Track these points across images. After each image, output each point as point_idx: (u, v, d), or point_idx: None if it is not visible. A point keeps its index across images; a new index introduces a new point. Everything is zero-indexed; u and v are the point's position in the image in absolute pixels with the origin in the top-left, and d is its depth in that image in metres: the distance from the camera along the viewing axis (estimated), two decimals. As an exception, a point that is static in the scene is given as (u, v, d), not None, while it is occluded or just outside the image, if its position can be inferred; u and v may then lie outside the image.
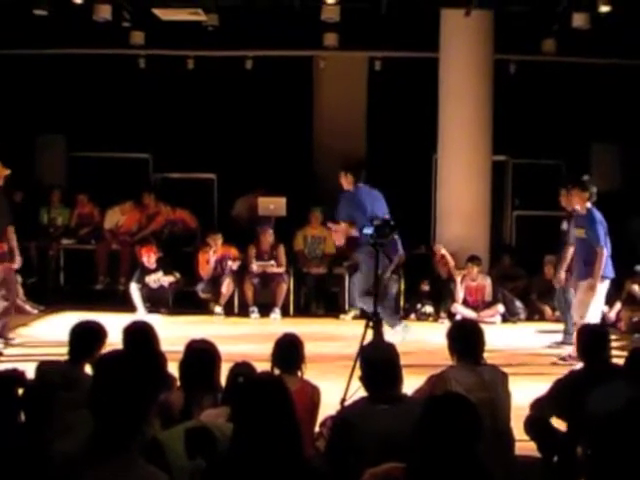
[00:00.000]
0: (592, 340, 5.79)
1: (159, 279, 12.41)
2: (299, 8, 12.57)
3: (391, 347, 4.80)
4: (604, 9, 11.12)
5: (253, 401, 3.50)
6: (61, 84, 14.68)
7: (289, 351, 5.51)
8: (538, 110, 14.53)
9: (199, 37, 13.36)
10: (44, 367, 5.47)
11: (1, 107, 14.04)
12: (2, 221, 9.78)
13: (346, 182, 9.98)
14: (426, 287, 12.46)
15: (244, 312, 12.44)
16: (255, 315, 12.34)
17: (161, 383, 5.21)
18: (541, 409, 5.60)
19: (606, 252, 9.17)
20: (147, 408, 3.52)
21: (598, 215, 9.28)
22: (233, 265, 12.55)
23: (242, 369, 4.96)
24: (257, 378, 4.05)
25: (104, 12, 11.96)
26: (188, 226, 13.93)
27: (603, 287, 9.26)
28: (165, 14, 12.57)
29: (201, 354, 5.07)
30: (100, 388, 3.50)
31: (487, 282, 12.27)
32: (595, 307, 9.20)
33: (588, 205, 9.33)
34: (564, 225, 10.39)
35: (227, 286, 12.44)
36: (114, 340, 5.60)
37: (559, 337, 10.34)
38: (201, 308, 12.56)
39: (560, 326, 10.88)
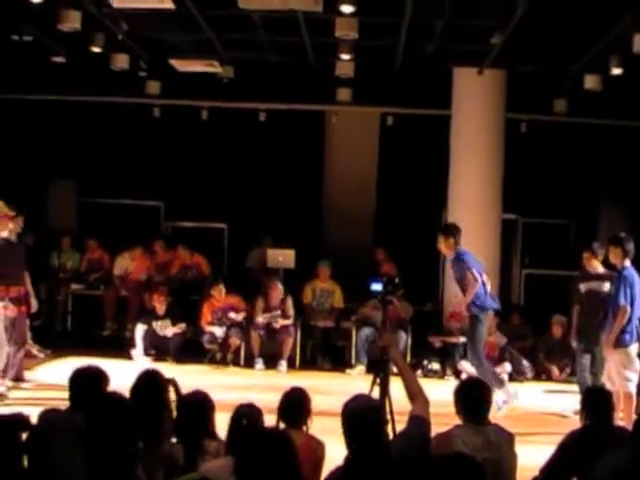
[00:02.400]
0: (596, 402, 5.76)
1: (166, 327, 12.43)
2: (314, 63, 12.72)
3: (377, 405, 4.63)
4: (616, 71, 11.22)
5: (259, 456, 3.48)
6: (75, 130, 14.84)
7: (296, 405, 5.49)
8: (548, 169, 14.61)
9: (214, 88, 13.52)
10: (46, 415, 5.45)
11: (15, 151, 14.19)
12: (20, 265, 9.94)
13: (447, 247, 9.81)
14: (438, 343, 12.40)
15: (250, 363, 12.40)
16: (260, 366, 12.29)
17: (164, 433, 5.19)
18: (549, 475, 5.54)
19: (636, 314, 8.80)
20: (136, 456, 3.49)
21: (631, 274, 8.90)
22: (237, 317, 12.55)
23: (245, 411, 4.94)
24: (263, 433, 4.03)
25: (121, 61, 12.14)
26: (202, 273, 13.94)
27: (634, 350, 8.89)
28: (181, 65, 12.73)
29: (194, 406, 5.07)
30: (92, 434, 3.47)
31: (502, 340, 12.19)
32: (633, 373, 8.84)
33: (626, 263, 8.94)
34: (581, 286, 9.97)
35: (233, 338, 12.45)
36: (119, 387, 5.58)
37: (567, 398, 10.26)
38: (206, 357, 12.53)
39: (567, 386, 10.85)
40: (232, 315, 12.57)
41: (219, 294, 12.65)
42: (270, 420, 5.26)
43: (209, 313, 12.61)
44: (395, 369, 5.20)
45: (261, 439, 3.66)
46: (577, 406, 6.23)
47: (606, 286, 9.51)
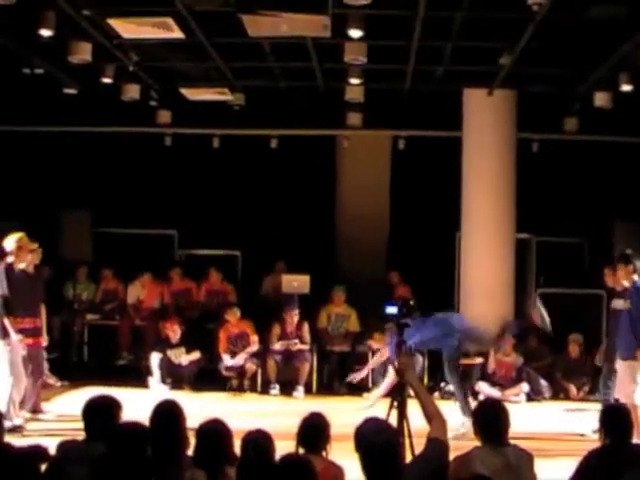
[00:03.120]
0: (615, 420, 5.71)
1: (180, 355, 12.42)
2: (324, 89, 12.77)
3: (388, 427, 4.54)
4: (626, 88, 11.22)
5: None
6: (88, 161, 14.93)
7: (315, 431, 5.47)
8: (561, 188, 14.58)
9: (225, 116, 13.57)
10: (64, 445, 5.44)
11: (28, 183, 14.27)
12: (37, 297, 9.96)
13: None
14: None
15: (267, 389, 12.39)
16: (275, 392, 12.27)
17: (183, 463, 5.18)
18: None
19: None
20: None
21: None
22: (248, 351, 12.51)
23: (253, 438, 4.91)
24: (285, 459, 4.00)
25: (132, 91, 12.22)
26: (227, 301, 13.87)
27: None
28: (192, 93, 12.80)
29: (212, 434, 5.05)
30: (107, 463, 3.46)
31: (519, 361, 12.17)
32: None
33: (635, 278, 9.08)
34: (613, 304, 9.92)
35: (249, 364, 12.44)
36: (137, 416, 5.57)
37: (586, 416, 10.18)
38: (222, 385, 12.52)
39: (585, 405, 10.77)
40: (239, 357, 12.51)
41: (233, 317, 12.64)
42: (288, 446, 5.25)
43: (226, 340, 12.60)
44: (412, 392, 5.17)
45: (283, 465, 3.65)
46: (596, 425, 6.19)
47: (620, 303, 9.50)
